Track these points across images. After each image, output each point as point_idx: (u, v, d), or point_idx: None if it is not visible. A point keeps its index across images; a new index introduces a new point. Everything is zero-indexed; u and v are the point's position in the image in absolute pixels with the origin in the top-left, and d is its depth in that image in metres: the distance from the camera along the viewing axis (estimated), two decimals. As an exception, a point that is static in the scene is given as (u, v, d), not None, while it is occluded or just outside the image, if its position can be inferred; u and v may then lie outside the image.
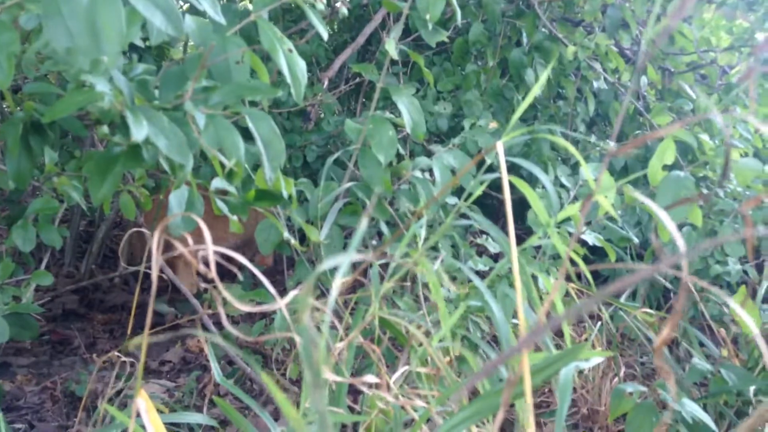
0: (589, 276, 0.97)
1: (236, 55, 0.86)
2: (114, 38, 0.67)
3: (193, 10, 1.07)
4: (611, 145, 2.27)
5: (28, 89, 0.94)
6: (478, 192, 0.81)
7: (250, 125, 0.84)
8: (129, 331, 1.82)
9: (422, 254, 0.83)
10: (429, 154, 1.78)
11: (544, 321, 0.51)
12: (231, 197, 1.00)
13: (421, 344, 1.01)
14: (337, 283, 0.51)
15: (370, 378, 0.67)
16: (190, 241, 0.69)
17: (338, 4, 1.02)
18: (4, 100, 1.99)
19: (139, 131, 0.70)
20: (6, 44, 0.66)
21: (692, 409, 1.14)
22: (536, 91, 0.68)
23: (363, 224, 0.52)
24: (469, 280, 1.31)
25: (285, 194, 1.02)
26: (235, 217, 1.04)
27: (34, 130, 0.95)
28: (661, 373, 0.47)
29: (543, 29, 2.23)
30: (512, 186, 0.91)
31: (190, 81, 0.78)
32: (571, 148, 0.68)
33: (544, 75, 0.69)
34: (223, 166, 0.90)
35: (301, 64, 0.91)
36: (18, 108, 1.08)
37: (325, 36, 0.97)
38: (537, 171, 0.73)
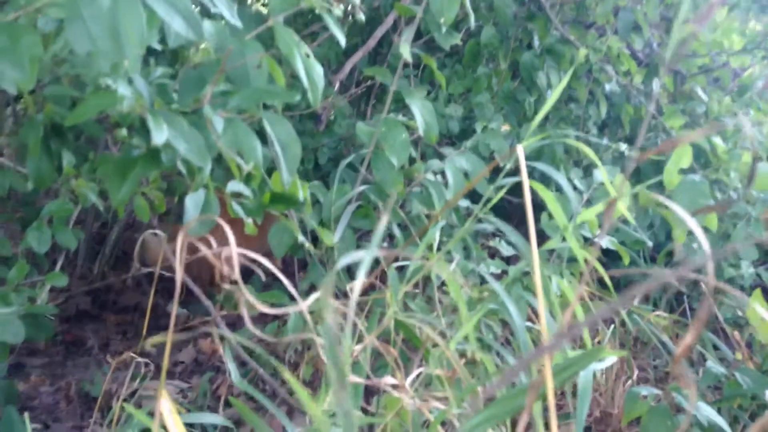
0: (608, 281, 0.97)
1: (254, 60, 0.87)
2: (135, 41, 0.68)
3: (205, 12, 1.07)
4: (624, 147, 2.27)
5: (47, 92, 0.94)
6: (497, 198, 0.81)
7: (268, 129, 0.84)
8: (144, 332, 1.83)
9: (440, 258, 0.83)
10: (441, 157, 1.78)
11: (566, 325, 0.51)
12: (246, 200, 1.00)
13: (435, 345, 1.01)
14: (360, 282, 0.52)
15: (389, 380, 0.67)
16: (207, 243, 0.70)
17: (357, 4, 1.02)
18: (17, 102, 2.01)
19: (160, 135, 0.70)
20: (28, 47, 0.67)
21: (707, 412, 1.14)
22: (554, 99, 0.68)
23: (381, 227, 0.52)
24: (481, 283, 1.31)
25: (301, 197, 1.02)
26: (250, 220, 1.04)
27: (54, 133, 0.96)
28: (680, 382, 0.47)
29: (554, 32, 2.23)
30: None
31: (208, 85, 0.79)
32: (589, 152, 0.68)
33: (563, 82, 0.69)
34: (239, 168, 0.90)
35: (318, 69, 0.92)
36: (36, 110, 1.09)
37: (343, 42, 0.98)
38: (558, 176, 0.73)
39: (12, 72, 0.64)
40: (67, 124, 0.73)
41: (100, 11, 0.66)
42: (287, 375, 0.46)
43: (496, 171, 2.17)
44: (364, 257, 0.48)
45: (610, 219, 0.49)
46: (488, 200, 0.96)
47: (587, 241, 1.42)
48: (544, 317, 0.51)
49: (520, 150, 0.62)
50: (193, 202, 0.96)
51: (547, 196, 0.77)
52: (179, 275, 0.64)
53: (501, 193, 0.84)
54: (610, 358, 0.83)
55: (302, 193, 1.03)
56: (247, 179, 0.95)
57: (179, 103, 0.80)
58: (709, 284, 0.40)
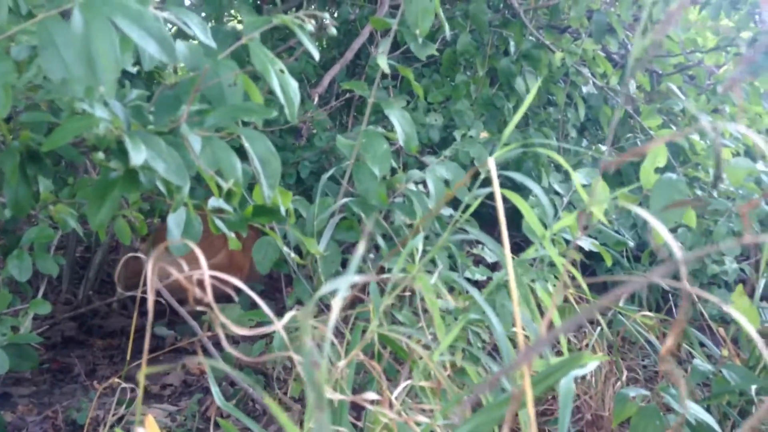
0: (584, 285, 0.97)
1: (229, 78, 0.87)
2: (110, 67, 0.68)
3: (180, 32, 1.08)
4: (604, 149, 2.29)
5: (23, 118, 0.94)
6: (474, 205, 0.82)
7: (246, 145, 0.84)
8: (129, 357, 1.81)
9: (420, 270, 0.83)
10: (422, 166, 1.78)
11: (545, 333, 0.51)
12: (228, 215, 1.00)
13: (421, 358, 1.01)
14: (338, 304, 0.51)
15: (371, 395, 0.67)
16: (184, 264, 0.69)
17: (326, 21, 1.02)
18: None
19: (138, 156, 0.71)
20: (2, 74, 0.67)
21: (696, 410, 1.14)
22: (528, 102, 0.68)
23: (362, 246, 0.52)
24: (467, 291, 1.31)
25: (283, 210, 1.03)
26: (233, 235, 1.04)
27: (31, 159, 0.95)
28: (670, 379, 0.47)
29: (530, 37, 2.24)
30: (507, 195, 0.91)
31: (184, 105, 0.79)
32: (561, 160, 0.68)
33: (536, 86, 0.70)
34: (219, 186, 0.90)
35: (293, 85, 0.92)
36: (11, 137, 1.09)
37: (317, 56, 0.98)
38: (531, 184, 0.73)
39: (-16, 99, 0.64)
40: (44, 149, 0.73)
41: (72, 38, 0.66)
42: (267, 399, 0.46)
43: (478, 177, 2.17)
44: (345, 282, 0.47)
45: (582, 226, 0.49)
46: (467, 208, 0.96)
47: (569, 244, 1.43)
48: (519, 326, 0.51)
49: (492, 162, 0.62)
50: (175, 222, 0.96)
51: (522, 205, 0.77)
52: (151, 298, 0.63)
53: (478, 202, 0.84)
54: (593, 364, 0.83)
55: (284, 204, 1.04)
56: (228, 196, 0.95)
57: (155, 123, 0.80)
58: (685, 290, 0.41)
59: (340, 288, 0.51)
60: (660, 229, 0.46)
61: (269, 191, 0.93)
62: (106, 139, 0.80)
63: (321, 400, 0.41)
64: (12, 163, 0.97)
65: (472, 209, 0.83)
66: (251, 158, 0.92)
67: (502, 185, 0.91)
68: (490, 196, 1.31)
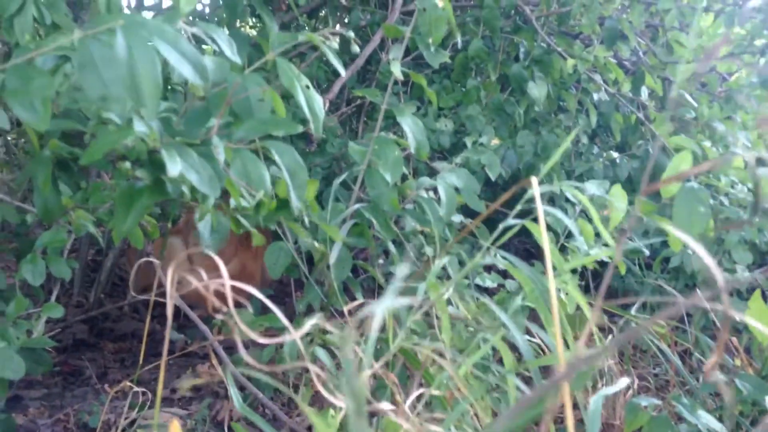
0: (587, 310, 0.97)
1: (257, 92, 0.89)
2: (152, 90, 0.70)
3: (199, 42, 1.09)
4: (615, 155, 2.28)
5: (51, 127, 0.96)
6: (505, 237, 0.81)
7: (276, 158, 0.87)
8: (141, 360, 1.82)
9: (441, 296, 0.83)
10: (432, 172, 1.78)
11: (581, 351, 0.51)
12: (250, 212, 1.02)
13: (433, 363, 1.01)
14: (376, 325, 0.52)
15: (386, 405, 0.67)
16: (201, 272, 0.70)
17: (352, 36, 1.04)
18: (9, 133, 2.00)
19: (174, 167, 0.73)
20: (40, 89, 0.68)
21: (708, 420, 1.14)
22: (566, 144, 0.68)
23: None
24: (477, 298, 1.31)
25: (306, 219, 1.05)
26: (256, 231, 1.06)
27: (60, 167, 0.97)
28: (721, 392, 0.47)
29: (542, 43, 2.24)
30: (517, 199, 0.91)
31: (213, 117, 0.81)
32: (583, 197, 0.68)
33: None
34: (243, 197, 0.92)
35: (319, 100, 0.94)
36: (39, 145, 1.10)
37: (344, 73, 1.00)
38: (564, 218, 0.73)
39: (24, 113, 0.65)
40: (83, 162, 0.74)
41: (116, 60, 0.68)
42: (302, 404, 0.46)
43: (487, 184, 2.17)
44: (376, 311, 0.48)
45: (620, 253, 0.49)
46: (502, 234, 0.95)
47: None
48: (561, 347, 0.51)
49: (535, 183, 0.62)
50: (205, 227, 0.98)
51: (542, 238, 0.76)
52: (170, 304, 0.64)
53: (514, 230, 0.83)
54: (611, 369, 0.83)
55: (312, 218, 1.06)
56: (257, 207, 0.97)
57: (186, 135, 0.82)
58: (726, 314, 0.40)
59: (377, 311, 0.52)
60: (699, 252, 0.46)
61: (297, 201, 0.95)
62: (136, 149, 0.82)
63: (361, 408, 0.43)
64: (45, 171, 0.99)
65: (503, 240, 0.82)
66: (281, 169, 0.94)
67: (517, 198, 0.91)
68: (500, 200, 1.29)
